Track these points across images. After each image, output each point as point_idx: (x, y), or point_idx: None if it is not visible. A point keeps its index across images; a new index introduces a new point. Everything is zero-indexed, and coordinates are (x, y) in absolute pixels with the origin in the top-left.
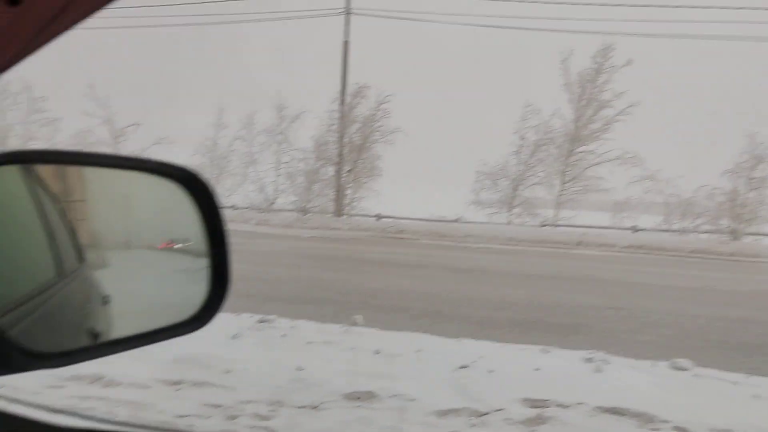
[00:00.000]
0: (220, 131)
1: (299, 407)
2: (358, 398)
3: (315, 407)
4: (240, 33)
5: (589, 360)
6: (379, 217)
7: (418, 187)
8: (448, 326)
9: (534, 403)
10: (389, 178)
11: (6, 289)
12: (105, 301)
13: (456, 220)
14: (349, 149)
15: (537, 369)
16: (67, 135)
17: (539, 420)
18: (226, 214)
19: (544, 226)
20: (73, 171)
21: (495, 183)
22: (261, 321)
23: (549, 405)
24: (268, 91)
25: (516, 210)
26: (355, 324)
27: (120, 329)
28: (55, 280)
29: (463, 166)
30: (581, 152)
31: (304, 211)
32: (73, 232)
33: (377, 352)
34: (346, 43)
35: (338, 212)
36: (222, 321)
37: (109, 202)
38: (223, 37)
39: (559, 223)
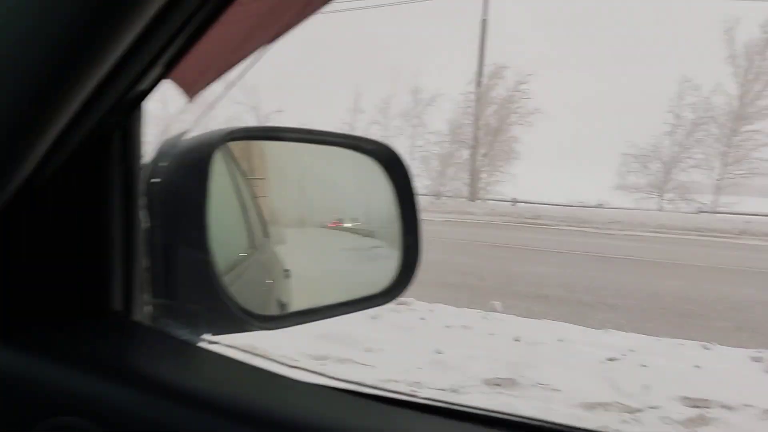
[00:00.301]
0: (357, 116)
1: (439, 389)
2: (498, 384)
3: (455, 390)
4: (374, 17)
5: (757, 359)
6: (514, 201)
7: (556, 170)
8: (591, 315)
9: (694, 403)
10: (527, 161)
11: (219, 256)
12: (286, 275)
13: (598, 206)
14: (485, 132)
15: (696, 366)
16: (217, 122)
17: (701, 421)
18: None
19: (701, 212)
20: (256, 149)
21: (645, 166)
22: (399, 303)
23: (711, 405)
24: (404, 74)
25: (668, 195)
26: (493, 310)
27: (306, 301)
28: (249, 252)
29: (608, 148)
30: (747, 132)
31: (437, 195)
32: (259, 208)
33: (517, 340)
34: (484, 22)
35: (472, 196)
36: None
37: (287, 181)
38: (359, 22)
39: (719, 209)
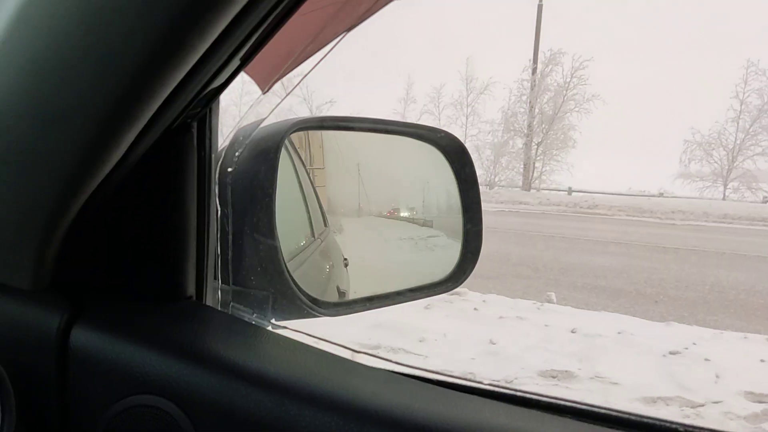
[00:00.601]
0: (408, 105)
1: (493, 380)
2: (554, 377)
3: (509, 382)
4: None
5: None
6: (570, 191)
7: (615, 158)
8: (651, 308)
9: (758, 398)
10: (584, 149)
11: (283, 244)
12: (345, 263)
13: (659, 195)
14: (540, 120)
15: (763, 360)
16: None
17: (765, 416)
18: None
19: None
20: (315, 139)
21: (708, 153)
22: (451, 293)
23: None
24: (457, 63)
25: (733, 184)
26: (548, 301)
27: (365, 289)
28: (310, 240)
29: (669, 135)
30: None
31: (490, 185)
32: (318, 197)
33: (573, 331)
34: (539, 7)
35: (527, 186)
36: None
37: (345, 171)
38: (410, 11)
39: None
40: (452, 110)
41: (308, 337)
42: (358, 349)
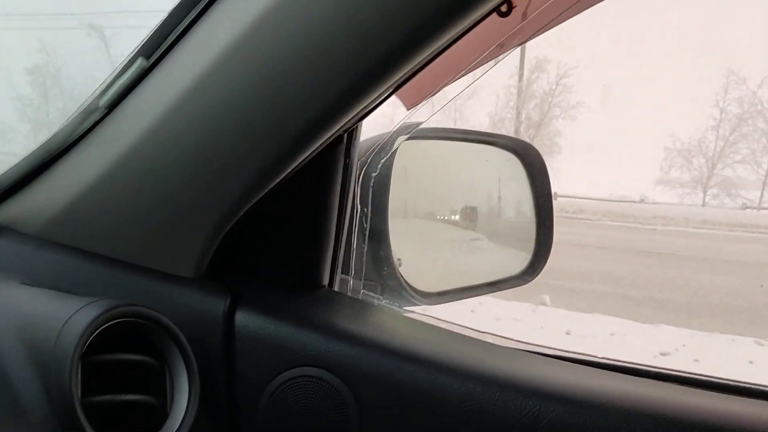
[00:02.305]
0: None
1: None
2: None
3: None
4: None
5: None
6: (555, 195)
7: (599, 164)
8: (638, 310)
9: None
10: (569, 155)
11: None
12: (399, 263)
13: (640, 201)
14: (527, 126)
15: (750, 362)
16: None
17: None
18: None
19: (747, 208)
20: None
21: (688, 161)
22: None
23: None
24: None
25: (712, 191)
26: (542, 304)
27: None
28: None
29: (650, 142)
30: None
31: None
32: None
33: (568, 333)
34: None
35: None
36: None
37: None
38: None
39: (765, 206)
40: (440, 115)
41: (434, 320)
42: (482, 330)
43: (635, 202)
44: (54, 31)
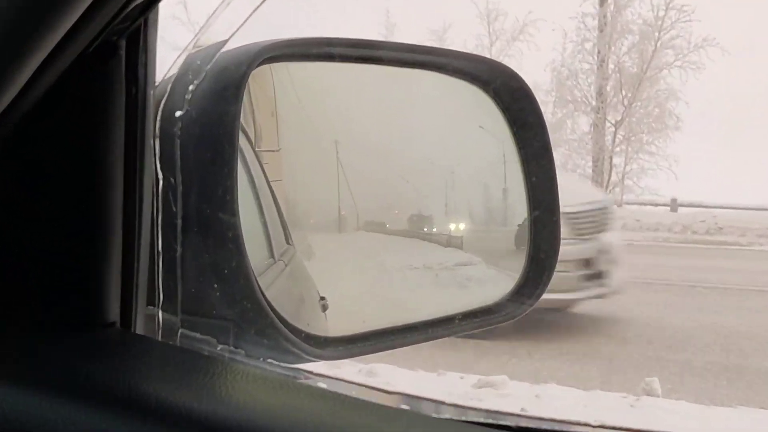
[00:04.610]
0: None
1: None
2: None
3: None
4: None
5: None
6: (674, 205)
7: (745, 149)
8: None
9: None
10: (693, 132)
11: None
12: (323, 305)
13: None
14: (617, 83)
15: None
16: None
17: None
18: None
19: None
20: (265, 105)
21: None
22: (480, 385)
23: None
24: None
25: None
26: (647, 393)
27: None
28: (269, 263)
29: None
30: None
31: None
32: (275, 199)
33: None
34: None
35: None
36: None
37: (316, 151)
38: None
39: None
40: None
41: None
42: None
43: None
44: None
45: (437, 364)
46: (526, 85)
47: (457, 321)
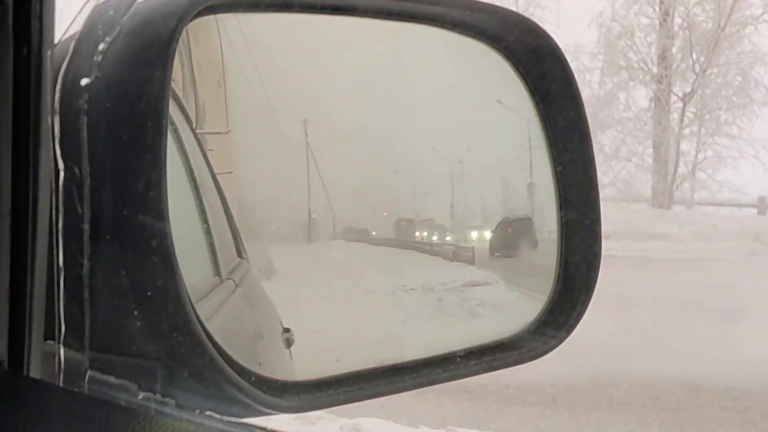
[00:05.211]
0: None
1: None
2: None
3: None
4: None
5: None
6: (763, 205)
7: None
8: None
9: None
10: None
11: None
12: (286, 338)
13: None
14: (686, 44)
15: None
16: None
17: None
18: None
19: None
20: (209, 72)
21: None
22: None
23: None
24: None
25: None
26: None
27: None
28: (214, 282)
29: None
30: None
31: None
32: (222, 196)
33: None
34: None
35: (664, 197)
36: None
37: (276, 137)
38: None
39: None
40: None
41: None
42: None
43: None
44: None
45: (446, 416)
46: (552, 40)
47: (460, 360)
